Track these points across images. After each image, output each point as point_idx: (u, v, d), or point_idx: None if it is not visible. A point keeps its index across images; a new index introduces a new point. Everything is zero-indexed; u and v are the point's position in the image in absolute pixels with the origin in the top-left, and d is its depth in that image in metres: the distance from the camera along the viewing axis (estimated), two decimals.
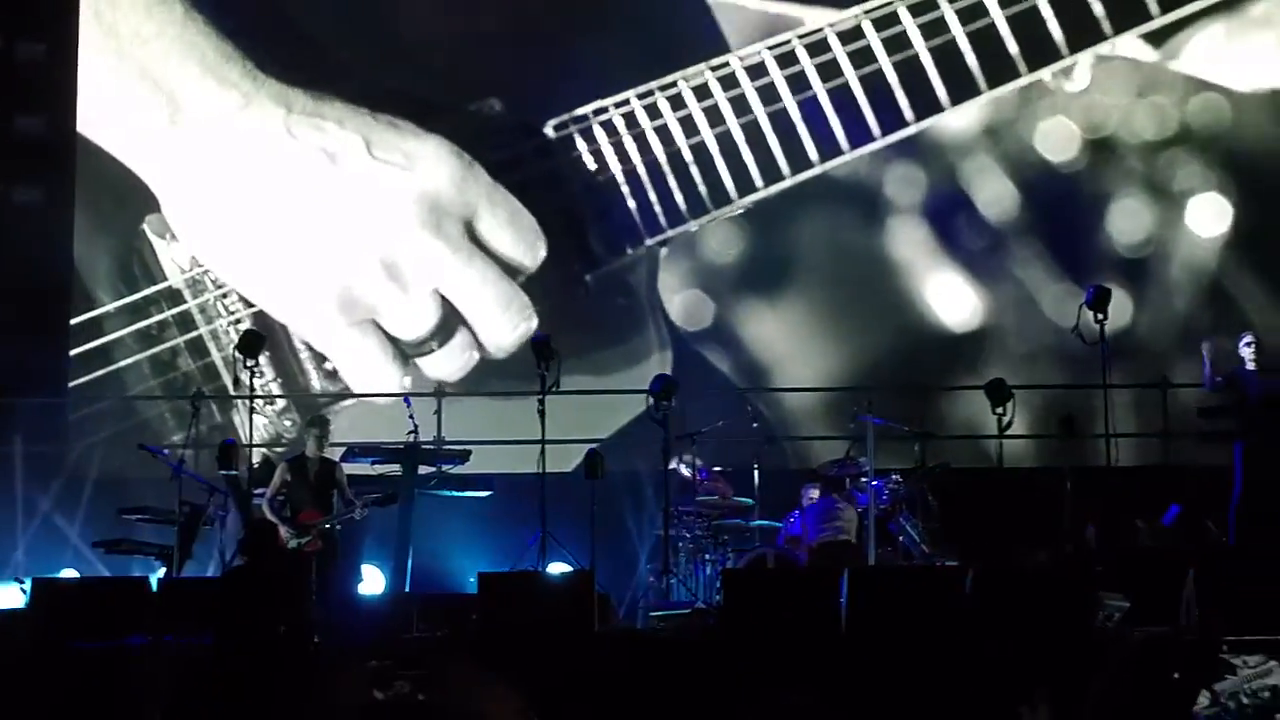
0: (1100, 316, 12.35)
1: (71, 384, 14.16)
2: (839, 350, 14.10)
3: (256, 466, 12.65)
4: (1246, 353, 12.63)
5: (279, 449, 12.64)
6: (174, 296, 13.81)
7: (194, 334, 13.93)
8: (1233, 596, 10.00)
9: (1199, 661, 4.30)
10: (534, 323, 13.60)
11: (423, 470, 12.53)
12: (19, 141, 14.54)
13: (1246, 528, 12.27)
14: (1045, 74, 13.62)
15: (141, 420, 13.96)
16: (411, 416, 12.84)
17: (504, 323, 13.62)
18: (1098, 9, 13.51)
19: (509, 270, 13.68)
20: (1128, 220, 13.98)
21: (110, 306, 14.00)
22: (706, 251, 13.81)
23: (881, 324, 14.14)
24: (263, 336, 13.10)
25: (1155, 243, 14.04)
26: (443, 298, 13.76)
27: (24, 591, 11.26)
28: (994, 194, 13.89)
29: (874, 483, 12.75)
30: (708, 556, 12.77)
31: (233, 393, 13.30)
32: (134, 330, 13.85)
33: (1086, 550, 11.99)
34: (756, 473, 13.16)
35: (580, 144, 13.41)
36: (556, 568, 12.16)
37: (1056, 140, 13.97)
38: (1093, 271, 13.86)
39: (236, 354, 13.00)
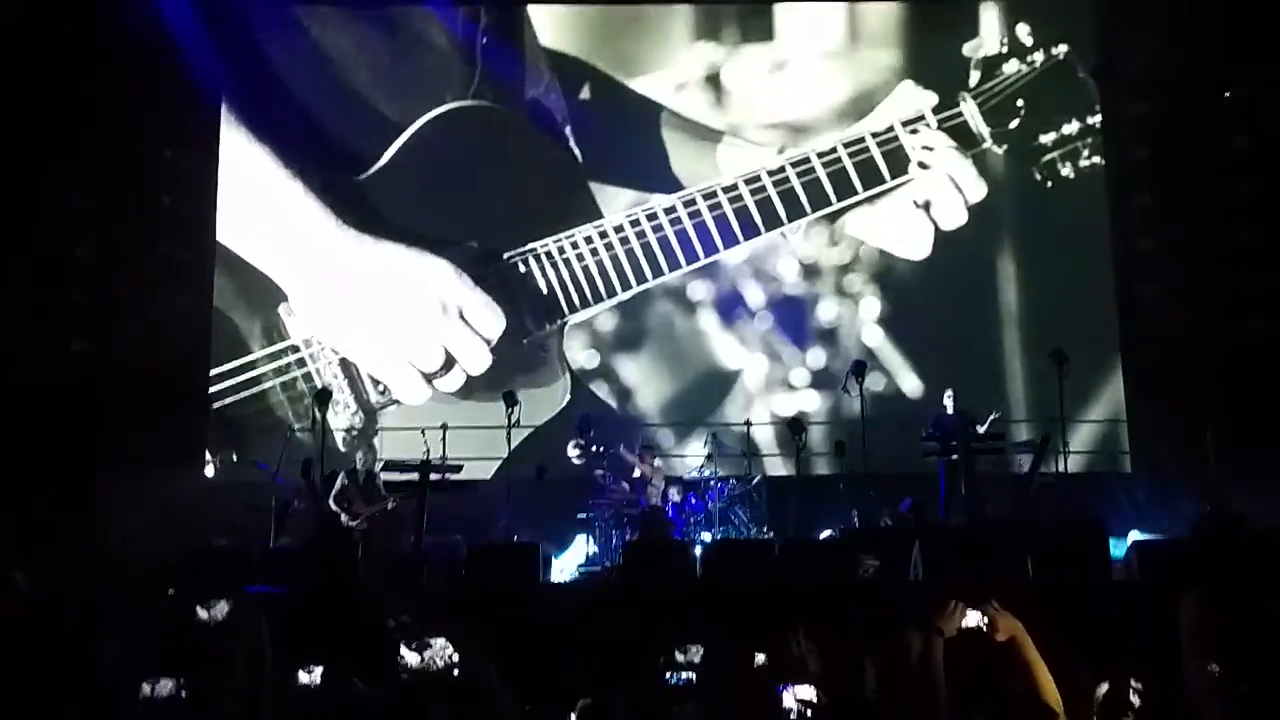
0: (860, 379, 12.34)
1: (216, 405, 14.11)
2: (669, 384, 14.18)
3: (326, 475, 12.38)
4: (948, 402, 12.66)
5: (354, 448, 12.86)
6: (295, 349, 14.07)
7: (305, 370, 14.06)
8: (945, 553, 9.99)
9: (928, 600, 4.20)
10: (489, 361, 13.84)
11: (432, 476, 12.31)
12: (179, 263, 14.37)
13: (948, 513, 12.27)
14: (775, 233, 13.79)
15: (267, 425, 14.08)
16: (425, 442, 12.84)
17: (477, 363, 13.85)
18: (803, 198, 13.63)
19: (482, 337, 13.85)
20: (826, 311, 14.12)
21: (260, 354, 14.17)
22: (595, 325, 14.14)
23: (689, 368, 14.22)
24: (330, 393, 13.04)
25: (841, 322, 14.10)
26: (446, 349, 13.85)
27: None
28: (752, 296, 14.09)
29: (719, 485, 12.73)
30: (614, 533, 12.60)
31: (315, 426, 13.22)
32: (274, 367, 14.05)
33: (853, 528, 11.87)
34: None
35: (522, 265, 13.85)
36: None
37: (785, 268, 14.06)
38: (805, 340, 14.12)
39: (314, 400, 12.96)
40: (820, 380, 13.86)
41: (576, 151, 13.68)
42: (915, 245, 13.57)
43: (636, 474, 12.81)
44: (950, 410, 12.65)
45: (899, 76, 13.79)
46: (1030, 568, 9.82)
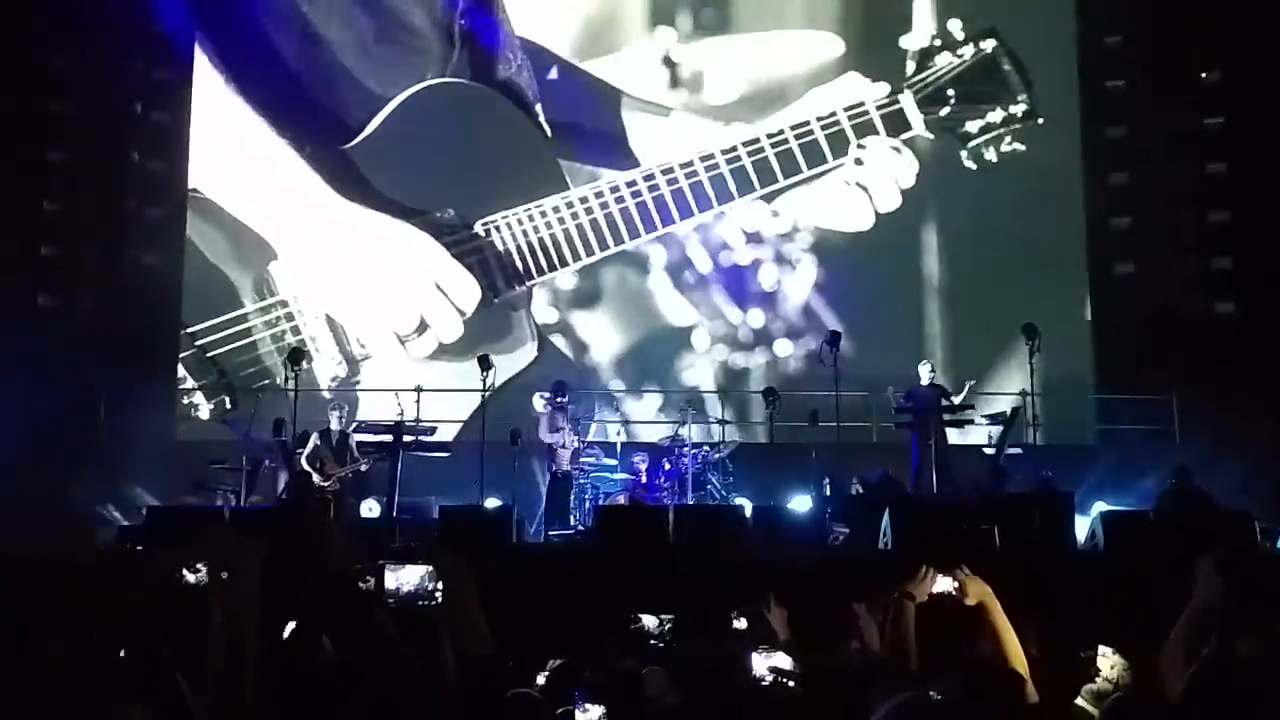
0: (835, 349, 12.26)
1: (210, 354, 14.47)
2: (624, 339, 14.73)
3: (299, 435, 12.33)
4: (924, 373, 12.71)
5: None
6: (284, 304, 14.51)
7: (294, 324, 14.45)
8: (914, 523, 10.03)
9: (895, 570, 4.19)
10: (461, 329, 14.28)
11: (405, 438, 12.28)
12: (148, 220, 14.45)
13: (918, 483, 12.33)
14: (724, 208, 14.40)
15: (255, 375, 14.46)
16: (400, 404, 12.82)
17: (451, 332, 14.29)
18: (753, 175, 14.24)
19: (457, 308, 14.28)
20: (767, 276, 14.75)
21: (251, 308, 14.56)
22: (556, 286, 14.70)
23: (643, 325, 14.82)
24: (303, 351, 12.96)
25: (780, 286, 14.71)
26: (421, 315, 14.25)
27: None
28: (701, 262, 14.70)
29: (693, 452, 12.74)
30: (587, 497, 12.60)
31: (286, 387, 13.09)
32: (264, 320, 14.48)
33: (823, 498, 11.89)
34: (619, 445, 13.06)
35: (494, 233, 14.30)
36: (491, 503, 11.97)
37: (732, 237, 14.68)
38: (747, 302, 14.74)
39: (287, 361, 12.90)
40: (760, 338, 14.48)
41: (546, 128, 14.25)
42: (855, 220, 14.21)
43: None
44: (925, 381, 12.67)
45: (844, 64, 14.45)
46: (998, 538, 9.88)
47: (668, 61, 14.32)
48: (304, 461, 11.95)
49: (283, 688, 3.98)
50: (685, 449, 12.72)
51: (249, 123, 14.23)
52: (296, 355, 12.73)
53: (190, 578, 4.55)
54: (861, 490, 12.16)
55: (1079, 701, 4.17)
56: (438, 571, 4.55)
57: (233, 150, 14.36)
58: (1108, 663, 4.09)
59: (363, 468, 12.20)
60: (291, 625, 4.84)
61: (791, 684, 4.06)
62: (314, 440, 12.09)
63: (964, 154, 14.07)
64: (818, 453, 12.33)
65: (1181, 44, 14.39)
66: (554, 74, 14.22)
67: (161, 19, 14.14)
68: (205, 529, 9.62)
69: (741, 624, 5.23)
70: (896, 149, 14.11)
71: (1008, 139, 14.00)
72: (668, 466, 12.79)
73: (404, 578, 4.62)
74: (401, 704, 3.51)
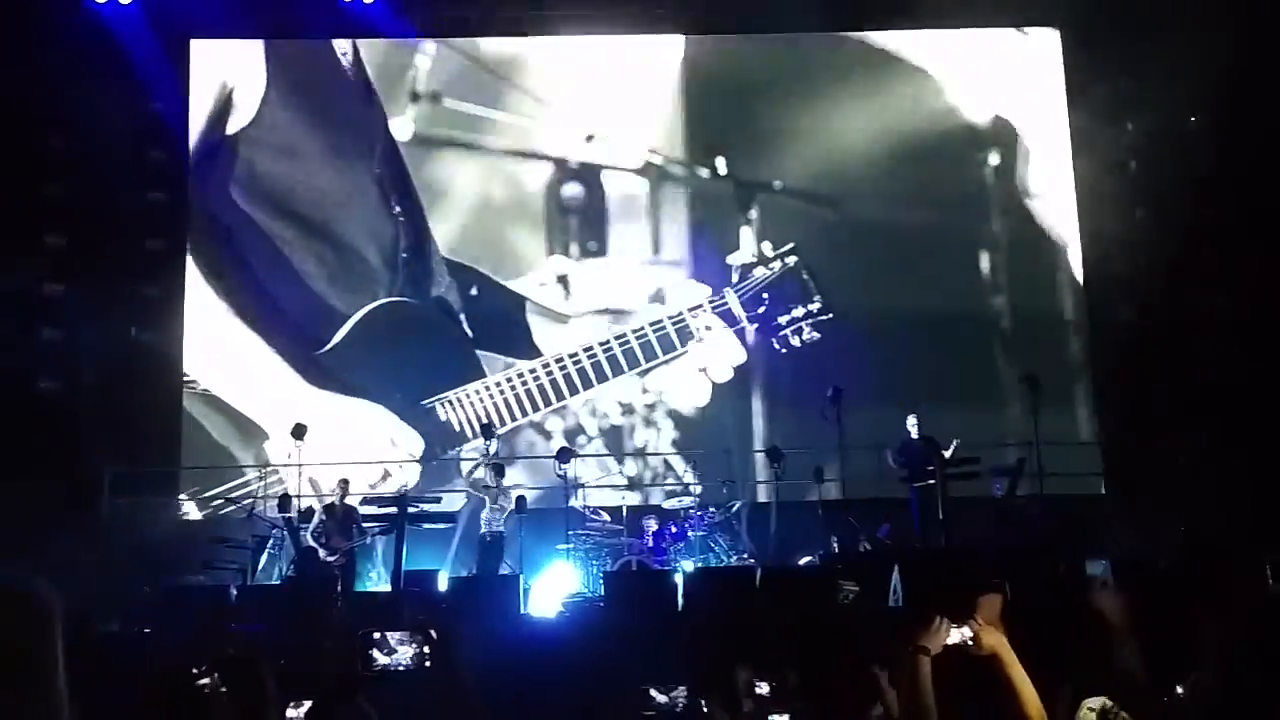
0: (838, 405, 12.40)
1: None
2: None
3: (303, 510, 12.35)
4: (912, 428, 12.82)
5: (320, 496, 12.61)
6: (276, 471, 15.70)
7: (284, 486, 14.95)
8: (923, 577, 9.98)
9: (911, 628, 4.09)
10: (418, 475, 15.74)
11: (410, 510, 12.32)
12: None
13: (924, 536, 12.33)
14: (602, 387, 16.47)
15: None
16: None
17: (408, 475, 15.85)
18: (623, 361, 16.47)
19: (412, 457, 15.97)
20: (638, 436, 16.64)
21: (252, 475, 15.74)
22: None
23: (553, 478, 15.54)
24: (305, 426, 13.00)
25: (647, 444, 16.62)
26: (385, 469, 15.70)
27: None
28: (590, 428, 16.52)
29: (699, 514, 12.73)
30: (595, 564, 12.57)
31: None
32: (264, 484, 15.64)
33: (832, 555, 11.88)
34: (624, 508, 13.06)
35: (438, 409, 16.33)
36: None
37: (611, 409, 16.63)
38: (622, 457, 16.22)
39: (291, 436, 12.96)
40: (633, 483, 16.34)
41: (469, 330, 17.07)
42: (695, 397, 16.71)
43: None
44: (915, 435, 12.73)
45: (686, 275, 17.45)
46: (1008, 590, 9.81)
47: (562, 280, 17.30)
48: (309, 537, 11.93)
49: None
50: (692, 510, 12.70)
51: (238, 333, 16.66)
52: (299, 430, 12.77)
53: (202, 680, 4.51)
54: (869, 547, 12.11)
55: None
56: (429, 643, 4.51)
57: (227, 356, 16.72)
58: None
59: (369, 541, 12.17)
60: (306, 706, 4.82)
61: None
62: (319, 515, 12.09)
63: (774, 341, 16.46)
64: (824, 510, 12.34)
65: None
66: (475, 290, 17.31)
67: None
68: (210, 625, 9.53)
69: (764, 689, 5.19)
70: (725, 327, 16.82)
71: (807, 329, 16.49)
72: (674, 529, 12.77)
73: (396, 659, 4.58)
74: None
